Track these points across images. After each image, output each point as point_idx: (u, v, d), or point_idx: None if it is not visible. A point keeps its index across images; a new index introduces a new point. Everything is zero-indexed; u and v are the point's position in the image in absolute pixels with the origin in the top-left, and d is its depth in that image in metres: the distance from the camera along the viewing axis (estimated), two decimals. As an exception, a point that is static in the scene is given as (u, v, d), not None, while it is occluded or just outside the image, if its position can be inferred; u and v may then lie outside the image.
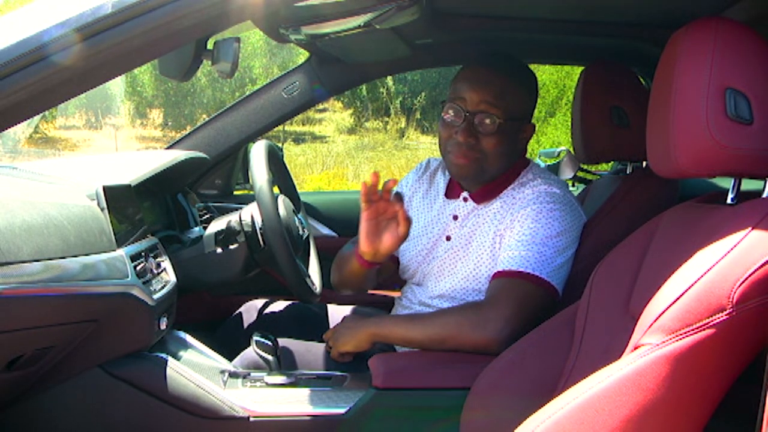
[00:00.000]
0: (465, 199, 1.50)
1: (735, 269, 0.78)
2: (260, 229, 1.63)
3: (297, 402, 1.32)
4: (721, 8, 1.42)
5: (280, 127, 9.49)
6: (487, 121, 1.39)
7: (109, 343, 1.30)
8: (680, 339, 0.79)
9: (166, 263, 1.51)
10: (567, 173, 2.60)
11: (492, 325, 1.29)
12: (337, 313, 1.83)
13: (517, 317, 1.30)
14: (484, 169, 1.44)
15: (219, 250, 1.65)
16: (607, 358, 0.94)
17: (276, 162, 1.78)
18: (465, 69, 1.46)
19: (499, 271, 1.37)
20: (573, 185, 2.62)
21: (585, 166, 2.65)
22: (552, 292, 1.35)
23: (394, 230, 1.35)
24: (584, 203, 1.80)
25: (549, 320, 1.20)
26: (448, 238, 1.50)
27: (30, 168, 1.57)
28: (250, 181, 1.97)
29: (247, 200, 1.93)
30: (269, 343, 1.41)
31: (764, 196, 0.92)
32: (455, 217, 1.50)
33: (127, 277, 1.27)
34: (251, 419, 1.30)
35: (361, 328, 1.42)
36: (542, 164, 2.85)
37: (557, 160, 2.72)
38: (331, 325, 1.79)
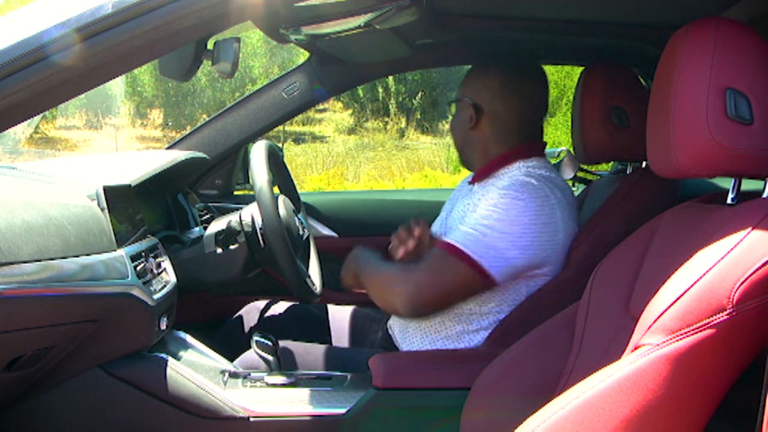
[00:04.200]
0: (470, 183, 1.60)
1: (735, 269, 0.78)
2: (260, 229, 1.63)
3: (297, 402, 1.32)
4: (721, 8, 1.42)
5: (280, 127, 9.50)
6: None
7: (109, 344, 1.30)
8: (680, 339, 0.79)
9: (166, 263, 1.51)
10: (567, 173, 2.60)
11: (403, 290, 1.33)
12: (337, 313, 1.83)
13: (432, 288, 1.32)
14: (456, 149, 1.62)
15: (219, 250, 1.65)
16: (608, 358, 0.94)
17: (276, 162, 1.78)
18: None
19: (439, 241, 1.38)
20: (573, 185, 2.61)
21: (585, 166, 2.65)
22: (483, 276, 1.32)
23: None
24: (584, 203, 1.80)
25: (549, 320, 1.20)
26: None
27: (30, 168, 1.57)
28: (250, 181, 1.97)
29: (247, 200, 1.93)
30: (269, 343, 1.41)
31: (764, 196, 0.92)
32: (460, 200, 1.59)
33: (127, 277, 1.27)
34: (251, 419, 1.30)
35: (352, 266, 1.53)
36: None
37: (557, 160, 2.72)
38: (332, 326, 1.80)
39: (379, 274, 1.42)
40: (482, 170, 1.53)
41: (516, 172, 1.46)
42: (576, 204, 1.52)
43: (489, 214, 1.35)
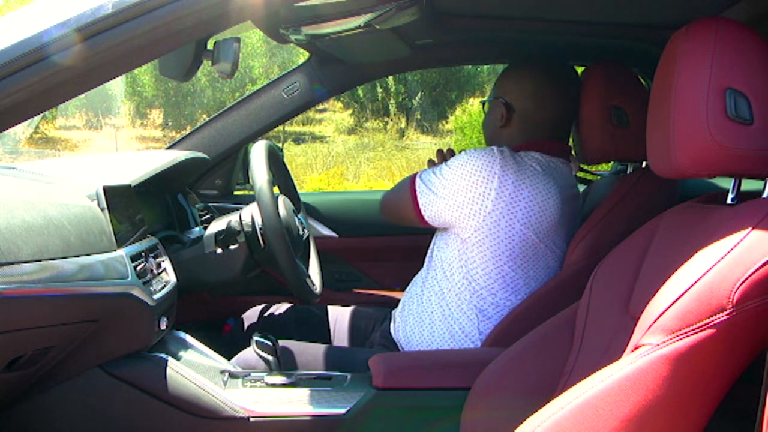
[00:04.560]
0: None
1: (735, 269, 0.78)
2: (260, 229, 1.63)
3: (297, 402, 1.32)
4: (721, 8, 1.42)
5: (280, 127, 9.51)
6: None
7: (109, 344, 1.30)
8: (680, 339, 0.79)
9: (166, 263, 1.51)
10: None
11: (386, 192, 1.66)
12: (337, 313, 1.83)
13: (389, 201, 1.63)
14: (485, 140, 1.69)
15: (219, 250, 1.65)
16: (608, 358, 0.94)
17: (276, 162, 1.78)
18: None
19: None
20: (573, 185, 2.62)
21: (585, 166, 2.65)
22: (416, 208, 1.50)
23: None
24: (584, 203, 1.80)
25: (549, 320, 1.20)
26: None
27: (30, 168, 1.57)
28: (250, 181, 1.97)
29: (247, 200, 1.93)
30: (269, 343, 1.41)
31: (764, 196, 0.92)
32: None
33: (128, 277, 1.27)
34: (251, 419, 1.30)
35: None
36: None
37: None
38: (332, 326, 1.80)
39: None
40: None
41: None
42: (553, 202, 1.46)
43: (449, 162, 1.49)
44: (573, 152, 1.67)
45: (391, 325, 1.63)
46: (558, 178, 1.50)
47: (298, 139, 13.20)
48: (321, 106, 14.01)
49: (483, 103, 1.69)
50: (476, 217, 1.42)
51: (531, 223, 1.44)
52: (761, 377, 0.78)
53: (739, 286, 0.77)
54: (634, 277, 1.05)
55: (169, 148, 2.21)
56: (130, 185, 1.49)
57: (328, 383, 1.38)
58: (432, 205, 1.47)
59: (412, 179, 1.53)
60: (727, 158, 0.89)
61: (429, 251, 1.61)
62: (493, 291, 1.46)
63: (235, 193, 2.30)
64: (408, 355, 1.43)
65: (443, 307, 1.50)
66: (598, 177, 2.46)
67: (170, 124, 13.93)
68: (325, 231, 2.25)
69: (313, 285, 1.73)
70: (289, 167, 1.94)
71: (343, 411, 1.30)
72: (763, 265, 0.77)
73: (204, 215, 2.03)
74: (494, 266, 1.45)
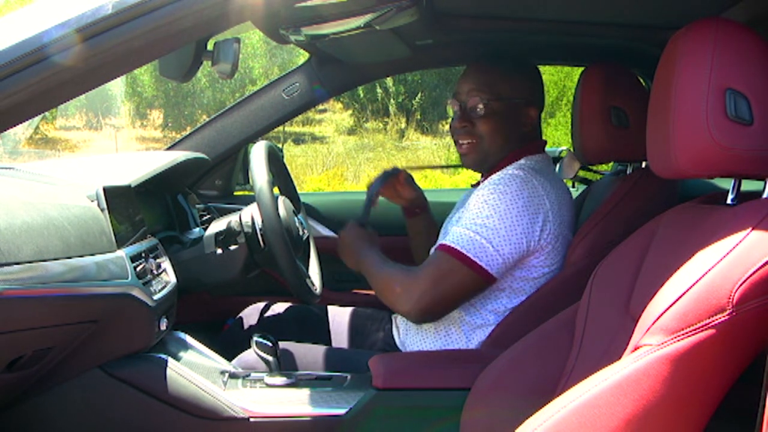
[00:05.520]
0: (475, 185, 1.57)
1: (735, 270, 0.78)
2: (260, 229, 1.63)
3: (297, 403, 1.32)
4: (721, 9, 1.42)
5: (280, 128, 9.48)
6: (477, 103, 1.47)
7: (109, 344, 1.30)
8: (680, 339, 0.79)
9: (166, 264, 1.51)
10: (568, 173, 2.60)
11: (409, 296, 1.35)
12: (337, 314, 1.83)
13: (434, 290, 1.34)
14: (486, 152, 1.50)
15: (219, 250, 1.65)
16: (608, 358, 0.94)
17: (276, 163, 1.78)
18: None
19: (439, 244, 1.41)
20: (573, 185, 2.61)
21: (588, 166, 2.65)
22: (479, 271, 1.34)
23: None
24: (584, 203, 1.80)
25: (549, 320, 1.20)
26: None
27: (30, 169, 1.57)
28: (250, 181, 1.97)
29: (247, 201, 1.93)
30: (269, 344, 1.41)
31: (764, 196, 0.92)
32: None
33: (127, 277, 1.27)
34: (251, 420, 1.30)
35: (354, 257, 1.55)
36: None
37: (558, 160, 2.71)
38: (332, 327, 1.80)
39: (383, 276, 1.43)
40: (494, 170, 1.51)
41: (511, 166, 1.46)
42: (570, 197, 1.51)
43: (480, 212, 1.37)
44: (572, 151, 1.67)
45: (394, 330, 1.63)
46: (557, 172, 1.53)
47: (298, 139, 13.19)
48: (321, 107, 13.98)
49: (482, 101, 1.47)
50: (544, 241, 1.39)
51: (572, 225, 1.46)
52: (761, 377, 0.78)
53: (739, 287, 0.77)
54: (634, 278, 1.05)
55: (169, 148, 2.21)
56: (130, 186, 1.49)
57: (328, 384, 1.38)
58: (502, 259, 1.36)
59: (446, 254, 1.36)
60: (727, 158, 0.89)
61: None
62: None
63: (235, 193, 2.30)
64: (408, 356, 1.43)
65: (460, 324, 1.47)
66: (600, 177, 2.46)
67: (170, 124, 13.90)
68: (325, 231, 2.25)
69: (313, 285, 1.73)
70: (289, 168, 1.94)
71: (343, 411, 1.30)
72: (763, 265, 0.77)
73: (204, 216, 2.03)
74: (545, 279, 1.44)
